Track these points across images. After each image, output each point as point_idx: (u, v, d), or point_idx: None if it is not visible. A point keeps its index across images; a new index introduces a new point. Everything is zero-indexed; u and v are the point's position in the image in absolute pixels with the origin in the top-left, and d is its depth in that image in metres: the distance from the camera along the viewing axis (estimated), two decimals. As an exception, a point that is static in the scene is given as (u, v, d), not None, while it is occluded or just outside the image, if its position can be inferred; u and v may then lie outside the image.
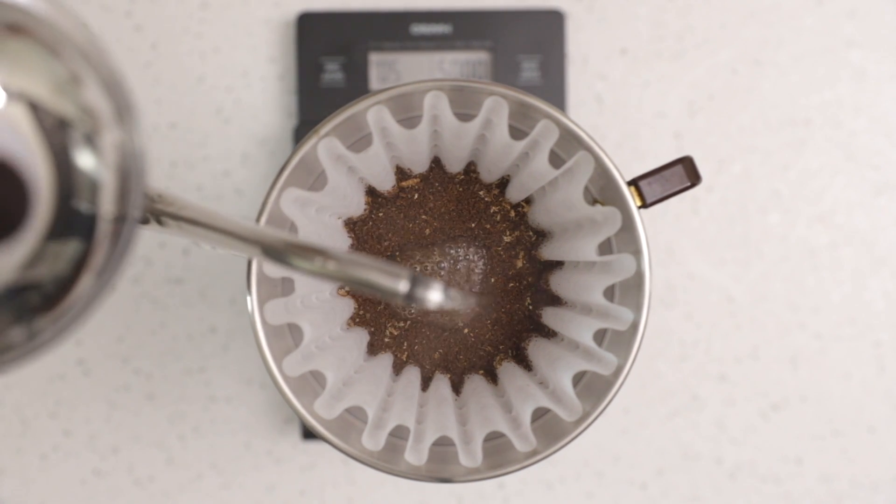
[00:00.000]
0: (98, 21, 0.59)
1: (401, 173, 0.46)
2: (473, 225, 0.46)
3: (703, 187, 0.59)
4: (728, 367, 0.60)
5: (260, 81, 0.59)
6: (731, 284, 0.60)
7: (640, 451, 0.60)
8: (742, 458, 0.60)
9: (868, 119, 0.60)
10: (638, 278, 0.42)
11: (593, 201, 0.44)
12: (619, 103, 0.59)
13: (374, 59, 0.58)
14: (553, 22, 0.58)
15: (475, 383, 0.45)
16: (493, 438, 0.44)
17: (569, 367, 0.42)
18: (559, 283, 0.45)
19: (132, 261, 0.59)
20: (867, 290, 0.60)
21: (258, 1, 0.59)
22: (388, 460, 0.42)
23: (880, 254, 0.60)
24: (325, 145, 0.41)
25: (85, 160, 0.29)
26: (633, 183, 0.42)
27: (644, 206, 0.42)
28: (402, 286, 0.31)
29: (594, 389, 0.43)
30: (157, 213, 0.35)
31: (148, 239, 0.59)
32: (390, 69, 0.58)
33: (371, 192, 0.46)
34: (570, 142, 0.42)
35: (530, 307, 0.46)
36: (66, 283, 0.29)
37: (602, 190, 0.43)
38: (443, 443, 0.43)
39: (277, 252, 0.32)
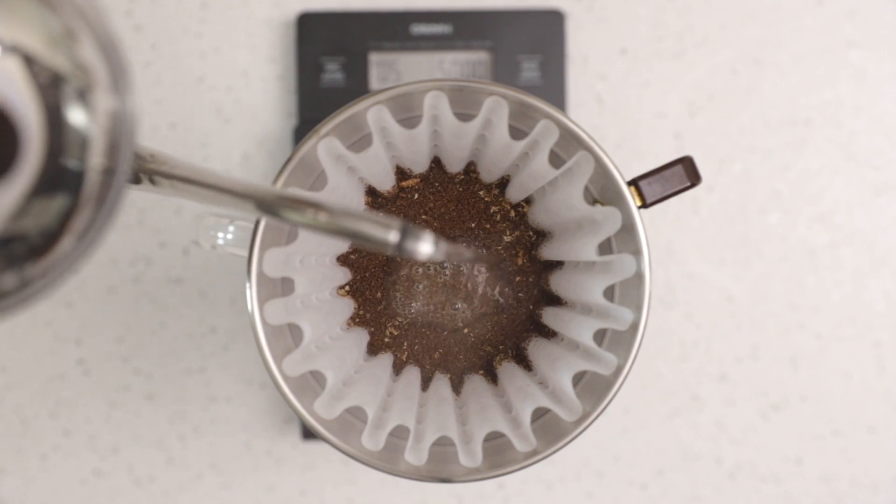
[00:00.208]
0: (98, 21, 0.59)
1: (401, 173, 0.46)
2: (473, 225, 0.46)
3: (703, 187, 0.59)
4: (728, 367, 0.60)
5: (260, 81, 0.59)
6: (731, 284, 0.60)
7: (640, 451, 0.60)
8: (742, 458, 0.60)
9: (868, 119, 0.60)
10: (638, 278, 0.42)
11: (593, 201, 0.44)
12: (619, 103, 0.59)
13: (374, 59, 0.58)
14: (553, 22, 0.58)
15: (475, 383, 0.45)
16: (493, 438, 0.44)
17: (569, 367, 0.42)
18: (559, 283, 0.45)
19: (133, 261, 0.59)
20: (867, 290, 0.60)
21: (258, 1, 0.59)
22: (388, 460, 0.42)
23: (880, 254, 0.60)
24: (325, 145, 0.41)
25: (76, 115, 0.29)
26: (633, 183, 0.42)
27: (644, 206, 0.42)
28: (393, 236, 0.31)
29: (594, 389, 0.43)
30: (150, 172, 0.36)
31: (148, 238, 0.59)
32: (390, 69, 0.58)
33: (371, 192, 0.46)
34: (570, 142, 0.42)
35: (530, 307, 0.46)
36: (53, 236, 0.30)
37: (602, 190, 0.43)
38: (443, 443, 0.43)
39: (270, 205, 0.33)
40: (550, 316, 0.45)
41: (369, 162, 0.42)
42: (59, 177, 0.29)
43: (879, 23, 0.60)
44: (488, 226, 0.46)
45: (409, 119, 0.43)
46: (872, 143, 0.60)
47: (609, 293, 0.44)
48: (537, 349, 0.45)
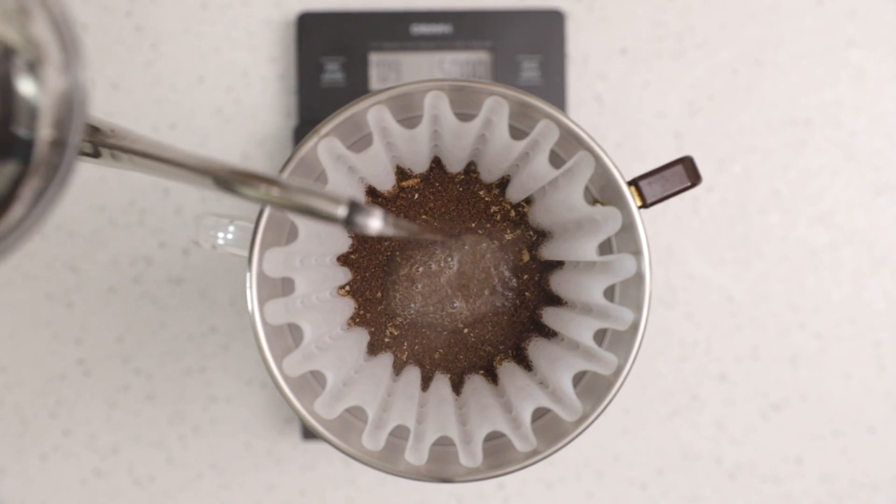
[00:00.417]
0: (98, 21, 0.59)
1: (401, 173, 0.46)
2: (474, 225, 0.46)
3: (703, 187, 0.59)
4: (728, 367, 0.60)
5: (260, 81, 0.59)
6: (731, 284, 0.60)
7: (640, 451, 0.60)
8: (742, 458, 0.60)
9: (868, 119, 0.60)
10: (638, 278, 0.42)
11: (593, 201, 0.44)
12: (619, 103, 0.59)
13: (374, 59, 0.58)
14: (553, 22, 0.58)
15: (475, 383, 0.45)
16: (494, 438, 0.44)
17: (569, 367, 0.42)
18: (559, 283, 0.45)
19: (133, 261, 0.59)
20: (867, 290, 0.60)
21: (258, 1, 0.59)
22: (388, 460, 0.42)
23: (880, 254, 0.60)
24: (325, 145, 0.41)
25: (26, 87, 0.30)
26: (634, 183, 0.42)
27: (644, 206, 0.42)
28: (341, 211, 0.32)
29: (594, 389, 0.43)
30: (111, 146, 0.37)
31: (148, 238, 0.59)
32: (390, 69, 0.58)
33: (371, 192, 0.46)
34: (570, 142, 0.42)
35: (531, 307, 0.46)
36: (3, 202, 0.31)
37: (602, 190, 0.43)
38: (443, 443, 0.43)
39: (225, 181, 0.34)
40: (550, 316, 0.45)
41: (369, 162, 0.42)
42: (10, 145, 0.30)
43: (879, 23, 0.60)
44: (489, 225, 0.46)
45: (409, 119, 0.43)
46: (872, 143, 0.60)
47: (609, 293, 0.44)
48: (537, 349, 0.45)
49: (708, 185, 0.59)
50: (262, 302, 0.42)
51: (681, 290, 0.60)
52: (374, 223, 0.32)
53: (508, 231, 0.46)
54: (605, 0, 0.59)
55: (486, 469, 0.42)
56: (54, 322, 0.59)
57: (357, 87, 0.58)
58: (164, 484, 0.60)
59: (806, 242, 0.60)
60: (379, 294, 0.46)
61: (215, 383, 0.59)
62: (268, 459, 0.60)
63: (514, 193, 0.45)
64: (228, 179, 0.34)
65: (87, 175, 0.59)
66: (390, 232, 0.33)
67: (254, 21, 0.59)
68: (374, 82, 0.58)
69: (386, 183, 0.45)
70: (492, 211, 0.46)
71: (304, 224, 0.41)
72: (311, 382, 0.44)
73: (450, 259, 0.46)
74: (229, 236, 0.45)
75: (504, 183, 0.46)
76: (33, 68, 0.30)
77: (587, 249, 0.41)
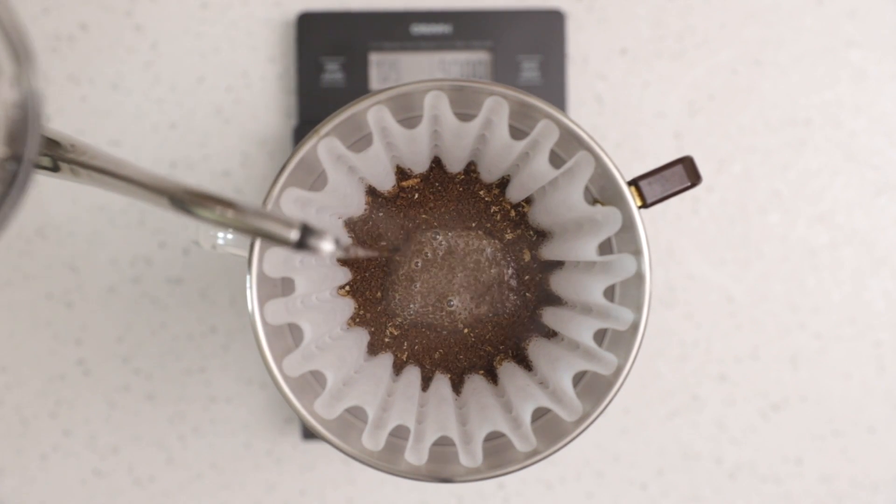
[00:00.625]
0: (98, 21, 0.59)
1: (401, 173, 0.46)
2: (474, 224, 0.46)
3: (703, 187, 0.59)
4: (728, 367, 0.60)
5: (260, 81, 0.59)
6: (731, 284, 0.60)
7: (640, 451, 0.60)
8: (742, 458, 0.60)
9: (868, 119, 0.60)
10: (638, 278, 0.42)
11: (593, 201, 0.44)
12: (619, 103, 0.59)
13: (374, 59, 0.58)
14: (553, 22, 0.58)
15: (475, 383, 0.45)
16: (494, 438, 0.44)
17: (569, 367, 0.42)
18: (559, 283, 0.45)
19: (133, 261, 0.59)
20: (867, 290, 0.60)
21: (258, 1, 0.59)
22: (388, 460, 0.42)
23: (880, 254, 0.60)
24: (325, 145, 0.41)
25: None
26: (634, 183, 0.42)
27: (644, 206, 0.42)
28: (293, 234, 0.33)
29: (594, 389, 0.43)
30: (70, 161, 0.37)
31: (148, 238, 0.59)
32: (390, 69, 0.58)
33: (371, 192, 0.46)
34: (570, 142, 0.42)
35: (531, 307, 0.46)
36: None
37: (602, 190, 0.43)
38: (443, 443, 0.43)
39: (181, 202, 0.34)
40: (551, 316, 0.45)
41: (369, 162, 0.42)
42: None
43: (879, 23, 0.60)
44: (489, 225, 0.46)
45: (409, 119, 0.43)
46: (872, 143, 0.60)
47: (609, 293, 0.44)
48: (537, 349, 0.45)
49: (708, 185, 0.59)
50: (262, 302, 0.42)
51: (681, 290, 0.60)
52: (326, 246, 0.33)
53: (508, 231, 0.46)
54: (605, 0, 0.59)
55: (486, 469, 0.42)
56: (54, 322, 0.59)
57: (357, 87, 0.58)
58: (164, 484, 0.60)
59: (806, 242, 0.60)
60: (379, 294, 0.46)
61: (215, 383, 0.59)
62: (268, 459, 0.60)
63: (514, 193, 0.45)
64: (184, 200, 0.34)
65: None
66: (342, 255, 0.34)
67: (254, 21, 0.59)
68: (374, 82, 0.58)
69: (386, 183, 0.45)
70: (492, 211, 0.46)
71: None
72: (311, 382, 0.44)
73: (449, 258, 0.46)
74: (229, 236, 0.45)
75: (504, 183, 0.46)
76: None
77: (587, 249, 0.41)
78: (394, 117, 0.41)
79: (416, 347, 0.46)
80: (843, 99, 0.60)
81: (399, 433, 0.43)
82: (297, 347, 0.42)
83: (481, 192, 0.46)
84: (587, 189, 0.43)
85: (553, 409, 0.41)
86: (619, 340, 0.43)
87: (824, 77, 0.60)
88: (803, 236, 0.60)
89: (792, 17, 0.60)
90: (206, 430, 0.59)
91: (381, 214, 0.46)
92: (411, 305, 0.46)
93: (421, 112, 0.42)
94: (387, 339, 0.46)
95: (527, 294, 0.46)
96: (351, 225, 0.46)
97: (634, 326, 0.42)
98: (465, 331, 0.46)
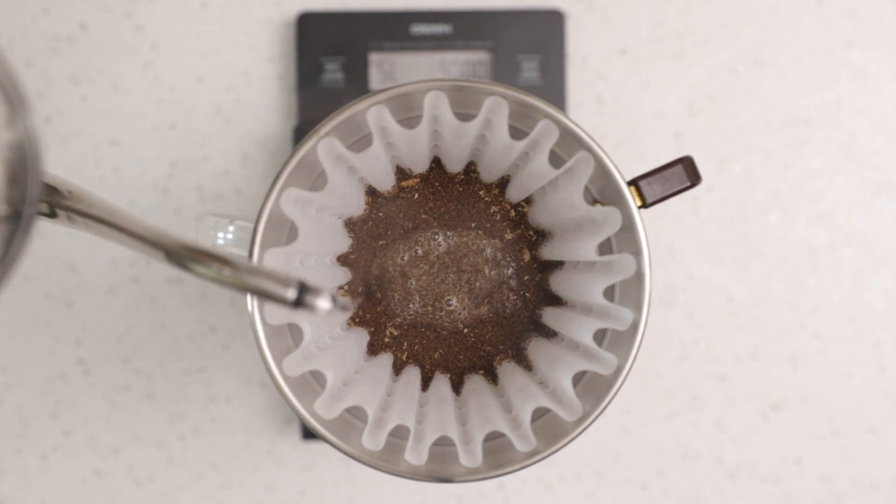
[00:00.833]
0: (98, 21, 0.59)
1: (401, 173, 0.46)
2: (474, 224, 0.46)
3: (703, 187, 0.59)
4: (728, 367, 0.60)
5: (260, 81, 0.59)
6: (731, 284, 0.60)
7: (640, 451, 0.60)
8: (742, 458, 0.60)
9: (868, 119, 0.60)
10: (638, 278, 0.42)
11: (593, 201, 0.44)
12: (619, 103, 0.59)
13: (374, 59, 0.58)
14: (553, 22, 0.58)
15: (475, 383, 0.45)
16: (493, 438, 0.44)
17: (569, 367, 0.42)
18: (559, 283, 0.45)
19: (133, 261, 0.59)
20: (867, 290, 0.60)
21: (258, 1, 0.59)
22: (388, 460, 0.42)
23: (880, 254, 0.60)
24: (325, 145, 0.41)
25: None
26: (633, 183, 0.42)
27: (644, 206, 0.42)
28: (290, 294, 0.33)
29: (594, 389, 0.43)
30: (67, 208, 0.36)
31: (148, 239, 0.59)
32: (390, 69, 0.58)
33: (371, 192, 0.46)
34: (570, 142, 0.42)
35: (531, 307, 0.46)
36: None
37: (602, 190, 0.43)
38: (443, 443, 0.43)
39: (178, 257, 0.34)
40: (550, 316, 0.45)
41: (369, 162, 0.42)
42: None
43: (879, 23, 0.60)
44: (489, 225, 0.46)
45: (409, 119, 0.43)
46: (872, 143, 0.60)
47: (609, 293, 0.44)
48: (537, 349, 0.45)
49: (708, 185, 0.59)
50: (261, 302, 0.42)
51: (681, 290, 0.60)
52: (323, 304, 0.33)
53: (508, 231, 0.46)
54: (605, 0, 0.59)
55: (486, 469, 0.42)
56: (54, 322, 0.59)
57: (357, 87, 0.58)
58: (164, 484, 0.60)
59: (806, 242, 0.60)
60: (379, 294, 0.46)
61: (215, 383, 0.59)
62: (267, 459, 0.60)
63: (514, 193, 0.45)
64: (180, 255, 0.34)
65: (87, 175, 0.59)
66: (338, 311, 0.34)
67: (254, 21, 0.59)
68: (374, 82, 0.58)
69: (386, 183, 0.45)
70: (492, 211, 0.46)
71: (303, 224, 0.41)
72: (311, 382, 0.44)
73: (449, 258, 0.46)
74: (229, 236, 0.45)
75: (504, 183, 0.46)
76: None
77: (587, 249, 0.41)
78: (394, 117, 0.41)
79: (416, 347, 0.46)
80: (843, 99, 0.60)
81: (399, 433, 0.43)
82: (297, 347, 0.42)
83: (481, 192, 0.46)
84: (587, 189, 0.43)
85: (553, 409, 0.41)
86: (619, 340, 0.43)
87: (824, 77, 0.60)
88: (803, 236, 0.60)
89: (792, 17, 0.60)
90: (206, 430, 0.59)
91: (380, 214, 0.46)
92: (411, 305, 0.46)
93: (421, 112, 0.42)
94: (386, 339, 0.46)
95: (526, 294, 0.46)
96: (351, 225, 0.46)
97: (634, 326, 0.42)
98: (465, 331, 0.46)
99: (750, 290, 0.60)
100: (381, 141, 0.42)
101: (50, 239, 0.59)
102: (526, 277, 0.46)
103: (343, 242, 0.45)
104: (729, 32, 0.60)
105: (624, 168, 0.43)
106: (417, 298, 0.46)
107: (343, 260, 0.46)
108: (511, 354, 0.46)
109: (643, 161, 0.59)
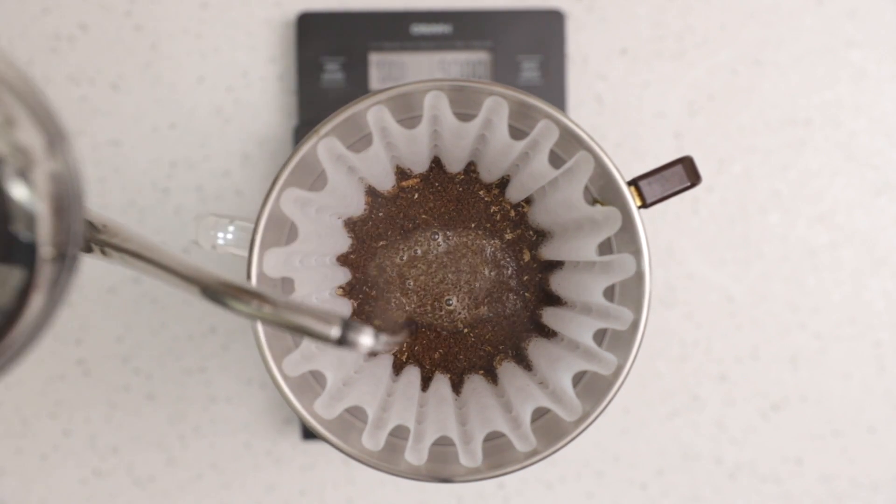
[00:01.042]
0: (98, 21, 0.59)
1: (401, 173, 0.46)
2: (474, 224, 0.46)
3: (703, 187, 0.59)
4: (728, 367, 0.60)
5: (260, 81, 0.59)
6: (731, 284, 0.60)
7: (640, 451, 0.60)
8: (742, 458, 0.60)
9: (868, 119, 0.60)
10: (638, 278, 0.42)
11: (593, 201, 0.44)
12: (619, 103, 0.59)
13: (374, 59, 0.58)
14: (553, 22, 0.58)
15: (475, 383, 0.45)
16: (493, 438, 0.44)
17: (569, 367, 0.42)
18: (559, 283, 0.45)
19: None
20: (867, 290, 0.60)
21: (258, 1, 0.59)
22: (388, 460, 0.42)
23: (880, 254, 0.60)
24: (325, 145, 0.41)
25: (19, 193, 0.29)
26: (633, 183, 0.42)
27: (644, 206, 0.42)
28: (334, 332, 0.32)
29: (594, 389, 0.43)
30: (101, 243, 0.35)
31: (148, 239, 0.59)
32: (390, 69, 0.58)
33: (371, 192, 0.46)
34: (570, 142, 0.42)
35: (531, 307, 0.46)
36: (11, 314, 0.29)
37: (602, 190, 0.43)
38: (443, 443, 0.43)
39: (215, 294, 0.33)
40: (550, 316, 0.45)
41: (369, 162, 0.42)
42: (11, 253, 0.29)
43: (879, 23, 0.60)
44: (489, 225, 0.46)
45: (409, 119, 0.43)
46: (872, 143, 0.60)
47: (609, 293, 0.44)
48: (537, 349, 0.45)
49: (708, 185, 0.59)
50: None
51: (681, 290, 0.60)
52: (367, 340, 0.32)
53: (508, 231, 0.46)
54: (605, 0, 0.59)
55: (486, 469, 0.42)
56: (54, 322, 0.59)
57: (357, 87, 0.58)
58: (164, 484, 0.60)
59: (806, 242, 0.60)
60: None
61: (215, 383, 0.59)
62: (268, 459, 0.60)
63: (514, 193, 0.45)
64: (218, 291, 0.32)
65: (87, 175, 0.59)
66: (380, 348, 0.33)
67: (254, 21, 0.59)
68: (374, 82, 0.58)
69: (386, 183, 0.45)
70: (492, 211, 0.46)
71: (303, 224, 0.41)
72: (311, 382, 0.44)
73: (449, 258, 0.46)
74: (229, 236, 0.45)
75: (504, 183, 0.46)
76: (23, 174, 0.29)
77: (587, 249, 0.41)
78: (394, 117, 0.41)
79: (416, 347, 0.46)
80: (843, 99, 0.60)
81: (399, 433, 0.43)
82: (297, 347, 0.42)
83: (481, 192, 0.46)
84: (587, 189, 0.43)
85: (553, 409, 0.41)
86: (619, 340, 0.43)
87: (824, 77, 0.60)
88: (803, 236, 0.60)
89: (792, 17, 0.60)
90: (206, 430, 0.59)
91: (380, 214, 0.46)
92: (411, 305, 0.46)
93: (421, 112, 0.42)
94: (387, 339, 0.46)
95: (526, 294, 0.46)
96: (351, 225, 0.46)
97: (634, 326, 0.42)
98: (465, 331, 0.46)
99: (750, 290, 0.60)
100: (381, 141, 0.42)
101: (50, 239, 0.59)
102: (526, 277, 0.46)
103: (343, 242, 0.45)
104: (729, 32, 0.60)
105: (624, 168, 0.43)
106: (417, 298, 0.46)
107: (343, 260, 0.46)
108: (511, 354, 0.46)
109: (643, 161, 0.59)
